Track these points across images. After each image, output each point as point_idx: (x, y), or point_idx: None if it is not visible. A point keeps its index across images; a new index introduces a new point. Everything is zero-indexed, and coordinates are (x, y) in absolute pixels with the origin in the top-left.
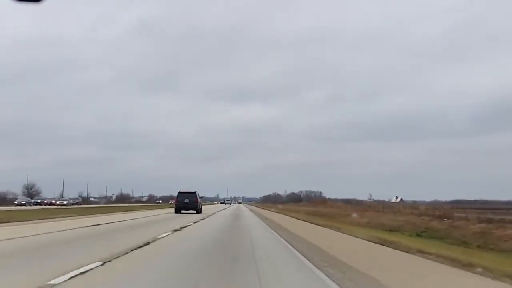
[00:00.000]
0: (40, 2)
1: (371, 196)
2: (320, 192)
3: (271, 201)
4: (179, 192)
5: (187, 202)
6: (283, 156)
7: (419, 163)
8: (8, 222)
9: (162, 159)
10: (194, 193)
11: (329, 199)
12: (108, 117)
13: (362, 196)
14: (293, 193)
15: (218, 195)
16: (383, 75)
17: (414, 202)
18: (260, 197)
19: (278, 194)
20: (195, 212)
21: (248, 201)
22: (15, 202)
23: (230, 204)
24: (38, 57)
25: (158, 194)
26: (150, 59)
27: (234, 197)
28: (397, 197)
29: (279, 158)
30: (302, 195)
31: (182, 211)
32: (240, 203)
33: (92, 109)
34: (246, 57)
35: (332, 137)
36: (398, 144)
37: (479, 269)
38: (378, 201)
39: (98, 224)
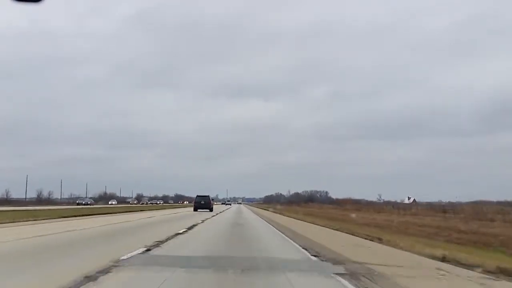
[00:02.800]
0: (40, 2)
1: (380, 197)
2: (326, 192)
3: (273, 202)
4: (197, 196)
5: (203, 203)
6: (285, 155)
7: (431, 163)
8: None
9: (159, 158)
10: (208, 196)
11: (337, 199)
12: (102, 115)
13: (371, 197)
14: (296, 193)
15: (217, 196)
16: (387, 72)
17: (429, 203)
18: (261, 198)
19: (281, 194)
20: (208, 210)
21: (249, 201)
22: None
23: (230, 204)
24: (29, 52)
25: (151, 194)
26: (147, 54)
27: (234, 197)
28: (409, 198)
29: (280, 157)
30: (306, 195)
31: (199, 210)
32: (240, 203)
33: (87, 106)
34: (246, 52)
35: (335, 136)
36: (407, 143)
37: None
38: (389, 202)
39: None
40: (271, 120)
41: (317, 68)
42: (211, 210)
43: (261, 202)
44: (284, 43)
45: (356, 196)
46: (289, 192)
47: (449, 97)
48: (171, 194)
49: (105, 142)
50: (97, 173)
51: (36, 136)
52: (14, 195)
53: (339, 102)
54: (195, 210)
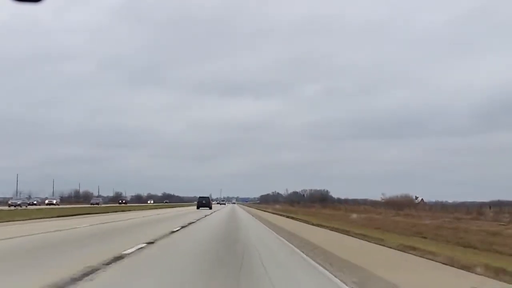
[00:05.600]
0: (40, 2)
1: (384, 196)
2: (327, 191)
3: (271, 202)
4: (199, 197)
5: (204, 202)
6: (280, 154)
7: (435, 161)
8: None
9: (148, 157)
10: (208, 197)
11: (339, 199)
12: (88, 113)
13: (374, 196)
14: (295, 192)
15: (210, 196)
16: (383, 69)
17: (441, 203)
18: (255, 198)
19: (278, 193)
20: (208, 208)
21: (243, 201)
22: None
23: (225, 204)
24: (12, 47)
25: (135, 193)
26: (136, 49)
27: (228, 197)
28: (416, 197)
29: (275, 156)
30: (305, 195)
31: (200, 208)
32: (234, 203)
33: (73, 104)
34: (238, 47)
35: (332, 134)
36: (408, 141)
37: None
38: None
39: None
40: (264, 118)
41: (312, 65)
42: (210, 208)
43: (257, 201)
44: (276, 39)
45: (358, 195)
46: (287, 191)
47: (449, 95)
48: (159, 193)
49: (91, 141)
50: (83, 172)
51: (23, 134)
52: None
53: (334, 100)
54: (197, 208)
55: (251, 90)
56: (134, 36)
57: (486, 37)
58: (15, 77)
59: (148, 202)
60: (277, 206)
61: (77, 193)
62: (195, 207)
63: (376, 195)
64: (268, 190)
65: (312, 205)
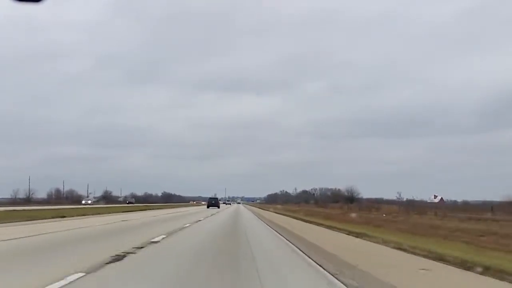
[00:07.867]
0: (40, 2)
1: (400, 195)
2: (339, 190)
3: (279, 201)
4: (209, 198)
5: (213, 202)
6: (283, 153)
7: (448, 160)
8: None
9: (149, 156)
10: (217, 198)
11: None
12: (86, 112)
13: (389, 195)
14: (304, 191)
15: (215, 195)
16: (386, 66)
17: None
18: (260, 197)
19: (286, 192)
20: (217, 208)
21: (249, 201)
22: None
23: (230, 204)
24: (7, 44)
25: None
26: (134, 47)
27: (233, 197)
28: (435, 196)
29: (279, 155)
30: (315, 194)
31: (210, 207)
32: (239, 203)
33: (70, 103)
34: (238, 44)
35: (336, 132)
36: (420, 140)
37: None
38: (412, 201)
39: None
40: (266, 116)
41: (315, 62)
42: (218, 207)
43: (263, 201)
44: (278, 35)
45: (373, 194)
46: (295, 190)
47: (457, 92)
48: (159, 192)
49: (89, 140)
50: (81, 172)
51: (20, 133)
52: None
53: (337, 97)
54: (208, 207)
55: (252, 87)
56: (132, 34)
57: (492, 33)
58: (12, 75)
59: (83, 202)
60: (283, 207)
61: (58, 192)
62: (183, 209)
63: (389, 194)
64: (275, 189)
65: (361, 208)
